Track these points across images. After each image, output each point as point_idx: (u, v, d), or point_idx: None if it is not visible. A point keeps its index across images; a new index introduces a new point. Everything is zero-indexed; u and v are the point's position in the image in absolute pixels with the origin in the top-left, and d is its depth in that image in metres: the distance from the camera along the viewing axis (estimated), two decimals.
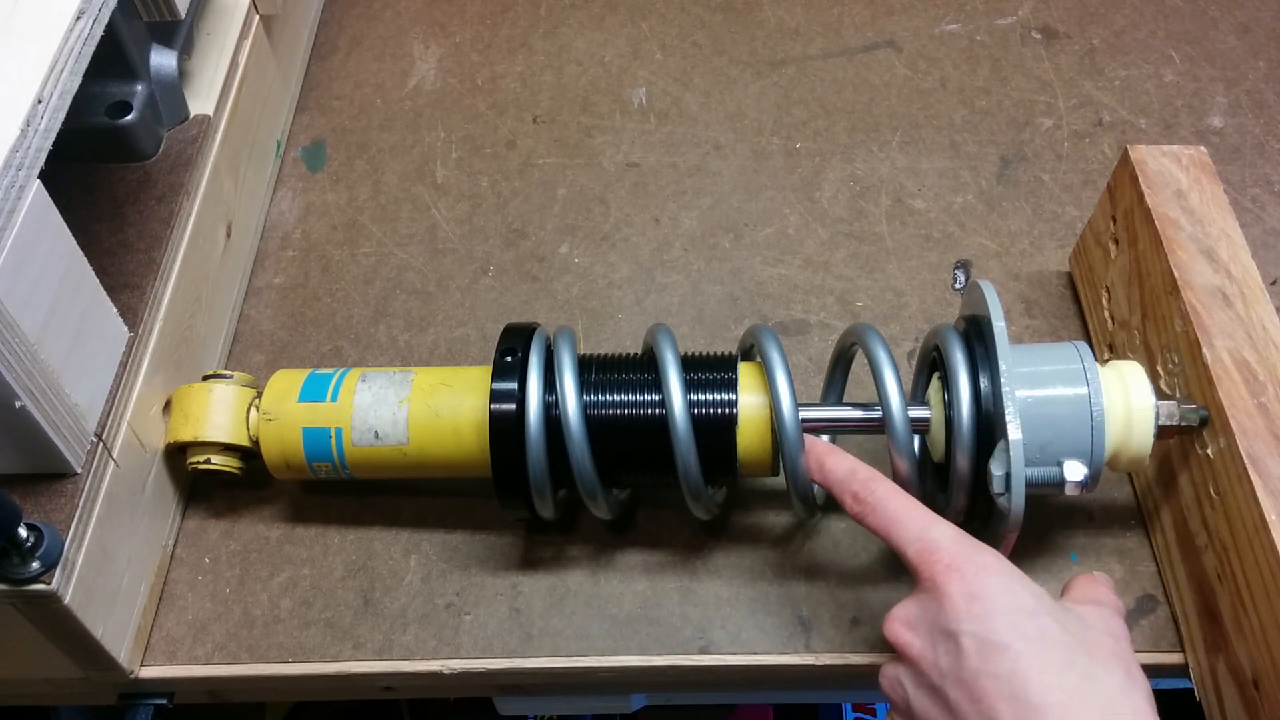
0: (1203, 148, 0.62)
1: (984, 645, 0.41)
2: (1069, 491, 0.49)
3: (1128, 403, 0.51)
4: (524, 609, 0.57)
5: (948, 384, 0.51)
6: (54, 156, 0.46)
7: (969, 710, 0.41)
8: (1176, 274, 0.55)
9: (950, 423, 0.51)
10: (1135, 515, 0.59)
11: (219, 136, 0.66)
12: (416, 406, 0.55)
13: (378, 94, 0.83)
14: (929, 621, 0.43)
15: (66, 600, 0.48)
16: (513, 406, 0.52)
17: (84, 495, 0.49)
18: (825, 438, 0.60)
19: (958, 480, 0.51)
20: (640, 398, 0.53)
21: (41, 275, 0.46)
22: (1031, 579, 0.44)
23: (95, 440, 0.51)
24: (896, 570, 0.58)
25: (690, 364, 0.54)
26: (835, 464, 0.50)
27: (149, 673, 0.56)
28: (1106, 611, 0.46)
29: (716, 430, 0.52)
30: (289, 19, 0.80)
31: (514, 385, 0.52)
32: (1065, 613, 0.44)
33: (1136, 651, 0.54)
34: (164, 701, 0.57)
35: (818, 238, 0.73)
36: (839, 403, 0.58)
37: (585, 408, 0.52)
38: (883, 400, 0.50)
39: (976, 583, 0.43)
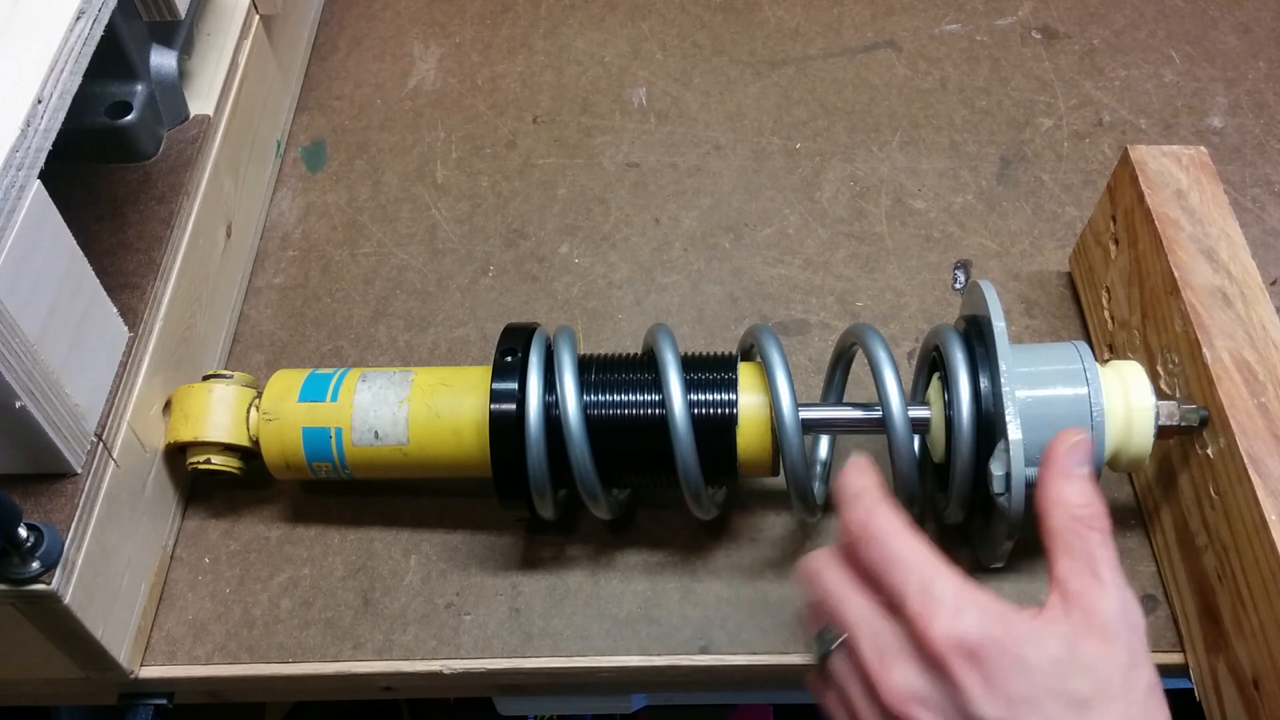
0: (1203, 148, 0.62)
1: None
2: None
3: (1128, 403, 0.51)
4: (524, 609, 0.57)
5: (948, 384, 0.51)
6: (54, 156, 0.46)
7: None
8: (1176, 274, 0.55)
9: (950, 423, 0.51)
10: (1135, 515, 0.59)
11: (219, 136, 0.66)
12: (416, 406, 0.55)
13: (378, 94, 0.83)
14: (946, 709, 0.40)
15: (66, 600, 0.48)
16: (513, 406, 0.52)
17: (84, 495, 0.49)
18: (825, 438, 0.60)
19: (958, 480, 0.51)
20: (640, 398, 0.53)
21: (41, 275, 0.46)
22: (1031, 601, 0.42)
23: (95, 440, 0.51)
24: None
25: (690, 364, 0.54)
26: (849, 480, 0.46)
27: (149, 673, 0.56)
28: (1126, 610, 0.42)
29: (716, 430, 0.52)
30: (289, 19, 0.80)
31: (514, 385, 0.52)
32: (1095, 663, 0.40)
33: None
34: (164, 701, 0.57)
35: (818, 238, 0.73)
36: (839, 403, 0.58)
37: (585, 408, 0.52)
38: (883, 400, 0.50)
39: (994, 669, 0.39)
